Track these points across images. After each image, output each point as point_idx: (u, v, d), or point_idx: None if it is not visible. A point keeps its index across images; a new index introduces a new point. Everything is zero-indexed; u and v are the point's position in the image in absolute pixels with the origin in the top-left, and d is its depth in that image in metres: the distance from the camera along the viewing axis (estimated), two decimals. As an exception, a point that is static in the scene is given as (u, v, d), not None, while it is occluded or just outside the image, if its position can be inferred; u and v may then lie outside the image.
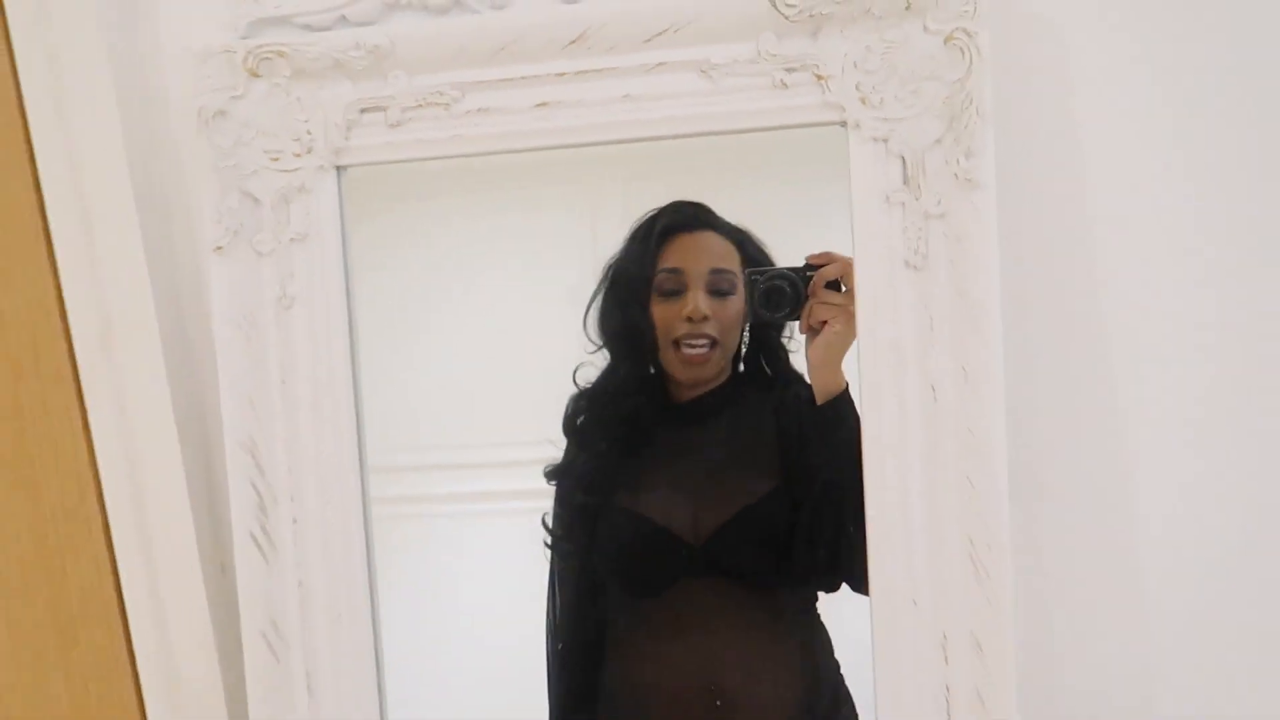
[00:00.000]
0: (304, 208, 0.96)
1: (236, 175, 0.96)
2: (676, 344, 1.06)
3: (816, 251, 0.99)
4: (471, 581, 1.21)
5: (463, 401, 1.18)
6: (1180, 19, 0.92)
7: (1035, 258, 0.94)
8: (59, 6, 0.97)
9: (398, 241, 1.12)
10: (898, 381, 0.89)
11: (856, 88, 0.88)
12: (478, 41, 0.93)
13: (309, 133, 0.95)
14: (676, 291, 1.06)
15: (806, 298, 0.98)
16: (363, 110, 0.95)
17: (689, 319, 1.05)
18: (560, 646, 1.14)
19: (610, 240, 1.10)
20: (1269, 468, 0.96)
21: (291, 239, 0.97)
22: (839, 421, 0.94)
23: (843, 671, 1.07)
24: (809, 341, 0.99)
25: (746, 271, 1.02)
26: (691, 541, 1.05)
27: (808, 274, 0.98)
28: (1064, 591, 0.99)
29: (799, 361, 1.03)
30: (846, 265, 0.93)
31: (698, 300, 1.05)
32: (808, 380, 1.00)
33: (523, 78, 0.93)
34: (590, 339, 1.10)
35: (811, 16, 0.88)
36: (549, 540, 1.12)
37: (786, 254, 1.06)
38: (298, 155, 0.96)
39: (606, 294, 1.09)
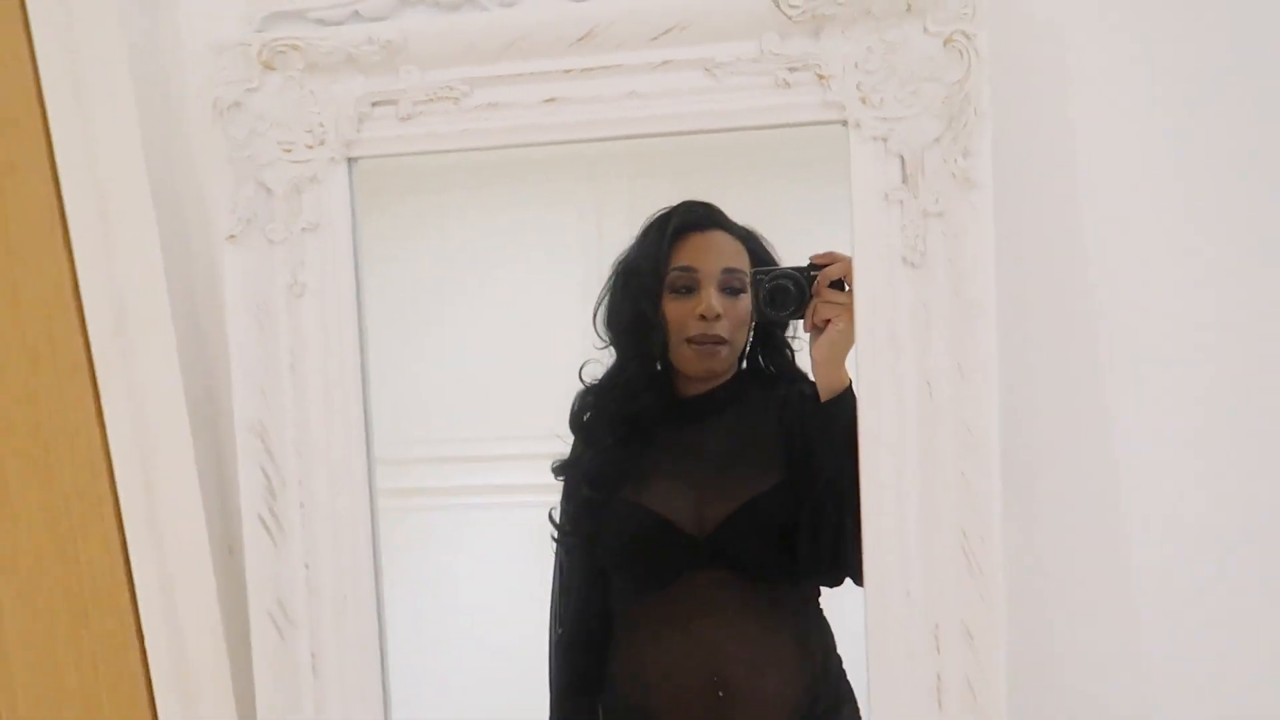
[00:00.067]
0: (316, 198, 0.98)
1: (250, 166, 0.97)
2: (689, 341, 1.07)
3: (818, 250, 0.99)
4: (475, 574, 1.22)
5: (468, 395, 1.19)
6: (1175, 23, 0.93)
7: (1031, 256, 0.95)
8: (80, 1, 0.98)
9: (406, 235, 1.13)
10: (895, 377, 0.90)
11: (857, 87, 0.89)
12: (487, 37, 0.94)
13: (321, 125, 0.97)
14: (689, 289, 1.07)
15: (811, 297, 0.99)
16: (374, 104, 0.96)
17: (702, 317, 1.06)
18: (563, 634, 1.15)
19: (616, 236, 1.11)
20: (1261, 465, 0.97)
21: (303, 228, 0.98)
22: (842, 418, 0.94)
23: (844, 666, 1.08)
24: (813, 340, 1.00)
25: (752, 271, 1.03)
26: (695, 535, 1.06)
27: (812, 273, 0.99)
28: (1054, 584, 1.00)
29: (802, 360, 1.04)
30: (850, 265, 0.93)
31: (711, 299, 1.06)
32: (811, 378, 1.02)
33: (531, 74, 0.94)
34: (599, 335, 1.11)
35: (814, 17, 0.89)
36: (556, 535, 1.14)
37: (786, 250, 1.08)
38: (310, 147, 0.97)
39: (617, 290, 1.10)
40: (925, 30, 0.88)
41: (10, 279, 1.02)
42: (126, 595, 1.04)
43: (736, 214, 1.08)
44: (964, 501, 0.90)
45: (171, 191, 1.04)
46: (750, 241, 1.08)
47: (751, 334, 1.10)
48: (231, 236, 0.98)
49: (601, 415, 1.12)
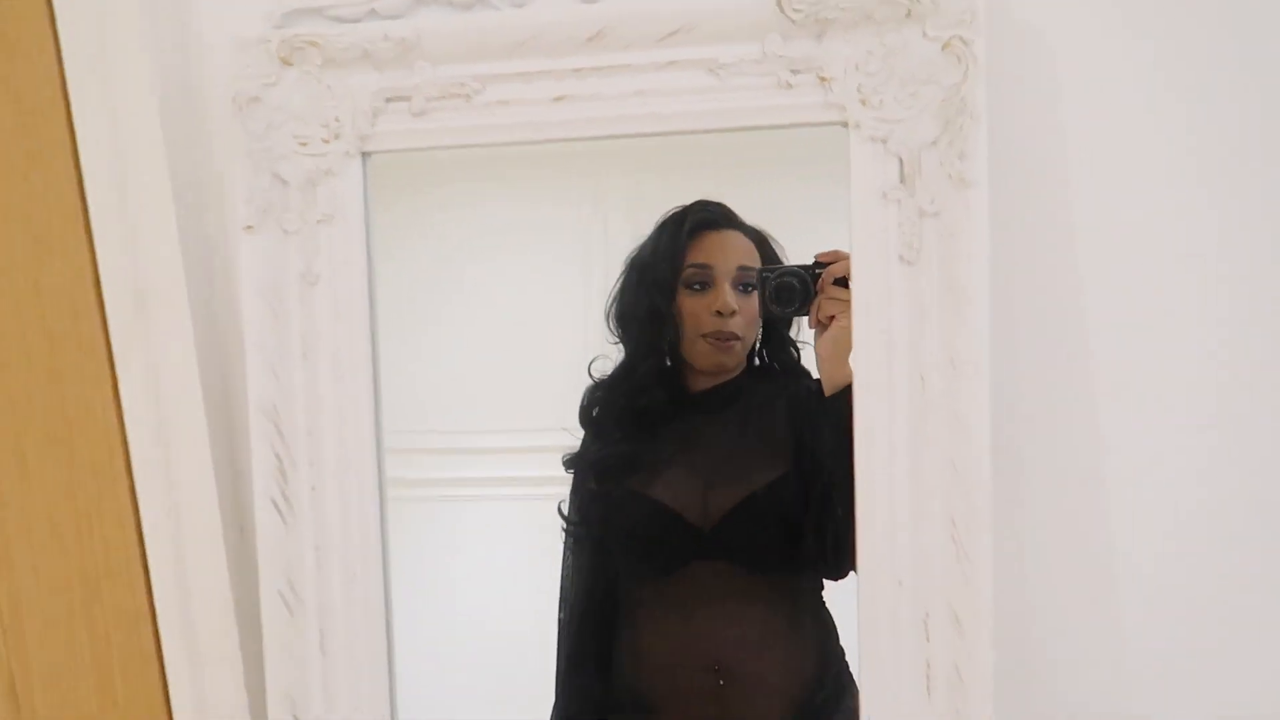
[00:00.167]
0: (330, 191, 0.99)
1: (267, 158, 0.99)
2: (704, 336, 1.09)
3: (818, 247, 1.01)
4: (476, 563, 1.24)
5: (471, 388, 1.21)
6: (1165, 32, 0.94)
7: (1023, 254, 0.97)
8: None
9: (415, 228, 1.15)
10: (889, 370, 0.92)
11: (857, 89, 0.90)
12: (499, 36, 0.95)
13: (337, 119, 0.98)
14: (704, 285, 1.09)
15: (815, 294, 1.01)
16: (388, 99, 0.98)
17: (718, 313, 1.08)
18: (569, 617, 1.17)
19: (621, 231, 1.13)
20: (1247, 456, 0.98)
21: (318, 220, 0.99)
22: (846, 413, 0.96)
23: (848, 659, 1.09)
24: (818, 336, 1.02)
25: (758, 269, 1.05)
26: (701, 525, 1.08)
27: (816, 271, 1.01)
28: (1042, 573, 1.02)
29: (808, 358, 1.06)
30: None
31: (726, 295, 1.08)
32: (816, 375, 1.03)
33: (541, 72, 0.95)
34: (611, 330, 1.13)
35: (816, 20, 0.90)
36: (565, 525, 1.16)
37: (787, 247, 1.10)
38: (326, 141, 0.99)
39: (631, 285, 1.12)
40: (924, 35, 0.89)
41: (33, 264, 1.03)
42: (140, 572, 1.06)
43: (739, 211, 1.10)
44: (954, 491, 0.91)
45: (191, 182, 1.05)
46: (761, 241, 1.11)
47: (760, 332, 1.13)
48: (248, 226, 1.00)
49: (610, 409, 1.14)
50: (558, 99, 0.96)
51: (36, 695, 1.09)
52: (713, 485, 1.10)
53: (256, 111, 0.99)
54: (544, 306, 1.19)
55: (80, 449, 1.05)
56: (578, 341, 1.16)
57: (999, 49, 0.92)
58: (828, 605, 1.11)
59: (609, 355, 1.13)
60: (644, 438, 1.13)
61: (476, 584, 1.24)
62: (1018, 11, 0.94)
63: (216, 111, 1.05)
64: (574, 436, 1.15)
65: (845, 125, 0.92)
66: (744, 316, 1.09)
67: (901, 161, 0.90)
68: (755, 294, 1.06)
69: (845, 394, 0.97)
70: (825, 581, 1.11)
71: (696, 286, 1.09)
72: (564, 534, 1.16)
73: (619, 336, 1.13)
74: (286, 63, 0.98)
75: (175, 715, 1.07)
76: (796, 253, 1.07)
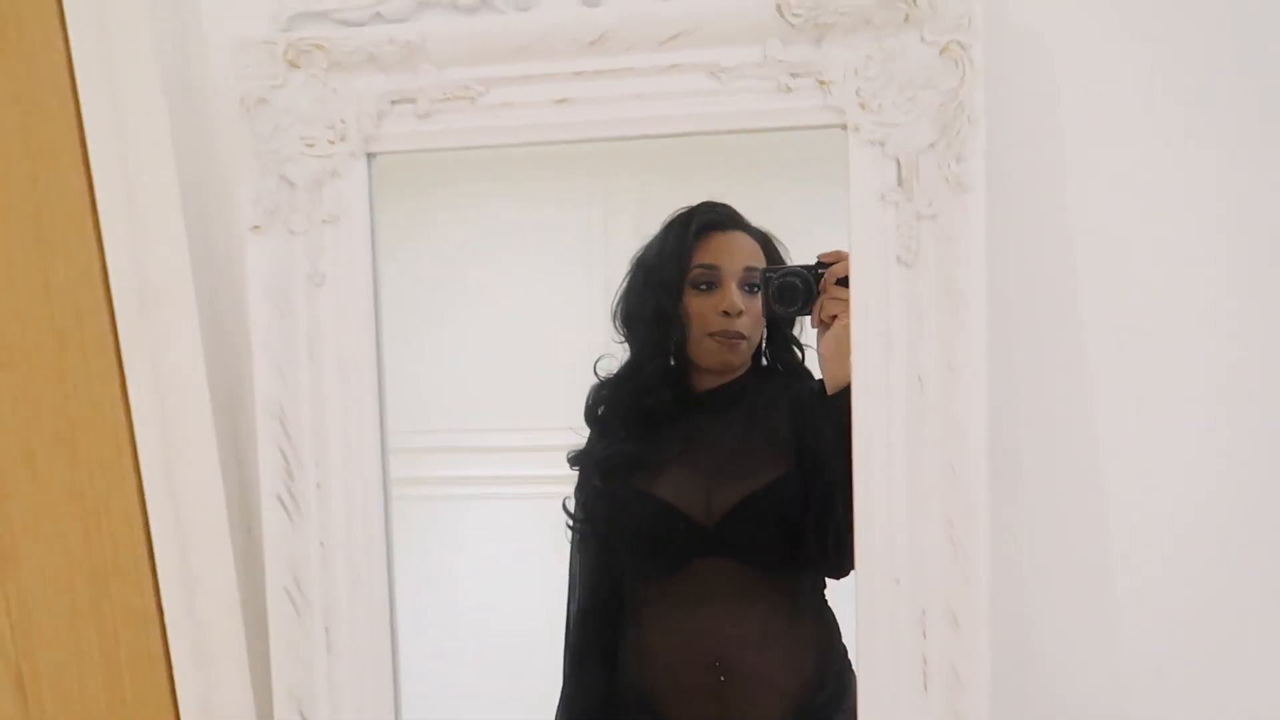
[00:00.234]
0: (336, 192, 1.00)
1: (274, 160, 1.00)
2: (711, 335, 1.10)
3: (817, 247, 1.02)
4: (479, 561, 1.25)
5: (474, 387, 1.22)
6: (1163, 35, 0.95)
7: (1020, 257, 0.97)
8: (114, 0, 1.00)
9: (417, 228, 1.15)
10: (887, 371, 0.93)
11: (856, 93, 0.91)
12: (503, 40, 0.96)
13: (343, 121, 0.99)
14: (711, 286, 1.10)
15: (818, 294, 1.02)
16: (393, 101, 0.98)
17: (725, 313, 1.09)
18: (577, 612, 1.18)
19: (622, 231, 1.14)
20: (1243, 459, 0.99)
21: (324, 220, 1.00)
22: (848, 411, 0.96)
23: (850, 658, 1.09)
24: (820, 335, 1.03)
25: (761, 269, 1.06)
26: (704, 523, 1.09)
27: (819, 271, 1.02)
28: (1038, 572, 1.02)
29: (811, 359, 1.06)
30: None
31: (733, 295, 1.09)
32: (817, 375, 1.04)
33: (544, 75, 0.96)
34: (617, 329, 1.14)
35: (816, 25, 0.91)
36: (570, 522, 1.17)
37: (789, 247, 1.11)
38: (331, 142, 0.99)
39: (637, 285, 1.13)
40: (923, 40, 0.89)
41: (41, 263, 1.04)
42: (147, 570, 1.06)
43: (742, 212, 1.11)
44: (951, 491, 0.92)
45: (198, 183, 1.06)
46: (766, 243, 1.11)
47: (764, 332, 1.13)
48: (255, 227, 1.00)
49: (616, 408, 1.15)
50: (560, 101, 0.96)
51: (45, 692, 1.09)
52: (716, 484, 1.10)
53: (263, 113, 0.99)
54: (547, 306, 1.19)
55: (88, 448, 1.06)
56: (581, 341, 1.17)
57: (996, 53, 0.92)
58: (829, 604, 1.12)
59: (614, 355, 1.14)
60: (649, 436, 1.14)
61: (480, 582, 1.25)
62: (1015, 16, 0.95)
63: (224, 113, 1.05)
64: (580, 435, 1.16)
65: (844, 128, 0.92)
66: (750, 317, 1.10)
67: (900, 164, 0.91)
68: (760, 294, 1.07)
69: (847, 393, 0.97)
70: (827, 580, 1.11)
71: (703, 287, 1.10)
72: (569, 531, 1.17)
73: (624, 336, 1.14)
74: (293, 65, 0.99)
75: (182, 712, 1.08)
76: (798, 253, 1.08)
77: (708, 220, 1.11)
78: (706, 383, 1.13)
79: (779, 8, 0.91)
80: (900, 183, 0.91)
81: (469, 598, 1.25)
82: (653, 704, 1.13)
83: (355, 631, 1.03)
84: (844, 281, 0.98)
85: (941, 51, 0.89)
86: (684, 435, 1.14)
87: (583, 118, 0.96)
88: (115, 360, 1.05)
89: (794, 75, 0.92)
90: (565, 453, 1.16)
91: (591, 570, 1.18)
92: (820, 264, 1.03)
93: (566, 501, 1.16)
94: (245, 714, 1.07)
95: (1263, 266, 0.96)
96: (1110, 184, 0.97)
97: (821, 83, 0.92)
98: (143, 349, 1.04)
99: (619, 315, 1.14)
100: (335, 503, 1.02)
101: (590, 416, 1.16)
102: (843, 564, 1.01)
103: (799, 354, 1.13)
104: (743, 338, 1.11)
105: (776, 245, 1.12)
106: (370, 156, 1.00)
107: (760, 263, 1.10)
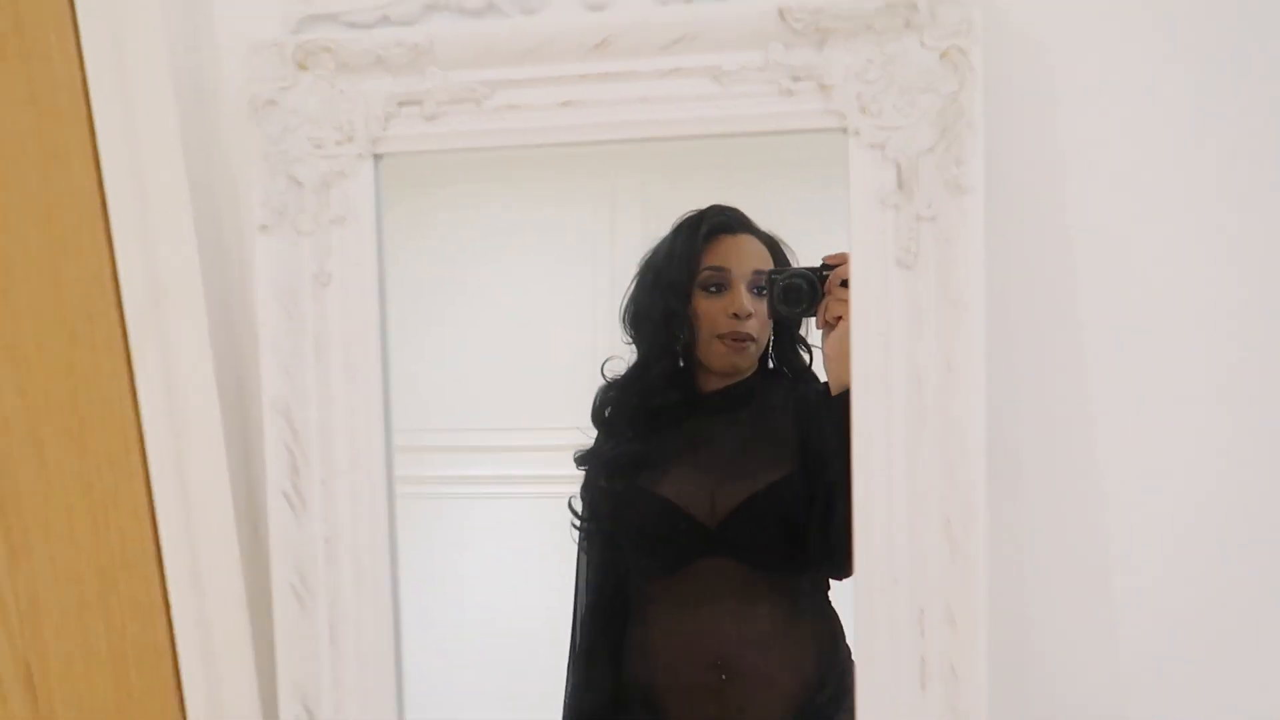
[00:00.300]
0: (343, 192, 1.00)
1: (282, 160, 1.00)
2: (719, 337, 1.11)
3: (819, 247, 1.03)
4: (481, 560, 1.26)
5: (479, 385, 1.23)
6: (1163, 41, 0.95)
7: (1019, 259, 0.98)
8: (125, 2, 1.01)
9: (421, 227, 1.16)
10: (886, 372, 0.93)
11: (857, 97, 0.92)
12: (509, 43, 0.97)
13: (350, 123, 0.99)
14: (720, 288, 1.11)
15: (823, 295, 1.03)
16: (400, 103, 0.99)
17: (735, 315, 1.10)
18: (583, 608, 1.19)
19: (628, 233, 1.15)
20: (1242, 460, 0.99)
21: (331, 220, 1.01)
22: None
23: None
24: (825, 336, 1.04)
25: (767, 271, 1.07)
26: (707, 523, 1.10)
27: (824, 273, 1.03)
28: (1036, 571, 1.02)
29: (817, 363, 1.07)
30: None
31: (742, 298, 1.10)
32: (823, 378, 1.05)
33: (549, 78, 0.96)
34: (626, 330, 1.15)
35: (817, 30, 0.91)
36: (575, 521, 1.18)
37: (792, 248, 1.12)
38: (339, 143, 1.00)
39: (645, 287, 1.14)
40: (923, 44, 0.90)
41: (52, 261, 1.05)
42: (154, 564, 1.07)
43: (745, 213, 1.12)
44: (950, 490, 0.92)
45: (207, 183, 1.07)
46: (774, 246, 1.13)
47: (771, 335, 1.14)
48: (263, 226, 1.01)
49: (623, 409, 1.16)
50: (565, 104, 0.97)
51: (53, 685, 1.10)
52: (720, 483, 1.11)
53: (272, 114, 1.00)
54: (551, 306, 1.20)
55: (97, 443, 1.07)
56: (585, 340, 1.17)
57: (996, 58, 0.93)
58: (833, 605, 1.13)
59: (622, 356, 1.15)
60: (655, 436, 1.15)
61: (484, 581, 1.26)
62: (1014, 21, 0.95)
63: (233, 114, 1.06)
64: (587, 436, 1.16)
65: (845, 132, 0.93)
66: (758, 319, 1.11)
67: (899, 167, 0.91)
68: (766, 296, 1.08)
69: (850, 393, 0.98)
70: (831, 582, 1.12)
71: (712, 289, 1.11)
72: (575, 530, 1.18)
73: (632, 337, 1.15)
74: (302, 67, 0.99)
75: (188, 704, 1.09)
76: (798, 254, 1.09)
77: (717, 223, 1.12)
78: (713, 384, 1.14)
79: (781, 12, 0.92)
80: (900, 185, 0.91)
81: (471, 596, 1.26)
82: (654, 702, 1.14)
83: (359, 625, 1.04)
84: (849, 283, 0.98)
85: (941, 56, 0.90)
86: (689, 436, 1.15)
87: (587, 120, 0.97)
88: (124, 357, 1.05)
89: (795, 79, 0.93)
90: (567, 452, 1.17)
91: (597, 569, 1.19)
92: (825, 266, 1.03)
93: (572, 500, 1.17)
94: (250, 706, 1.07)
95: (1262, 267, 0.97)
96: (1109, 186, 0.97)
97: (823, 87, 0.92)
98: (152, 346, 1.05)
99: (627, 316, 1.15)
100: (341, 500, 1.03)
101: (598, 418, 1.17)
102: (845, 565, 1.00)
103: (805, 357, 1.14)
104: (751, 340, 1.12)
105: (784, 249, 1.13)
106: (377, 158, 1.01)
107: (768, 266, 1.11)
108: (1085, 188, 0.98)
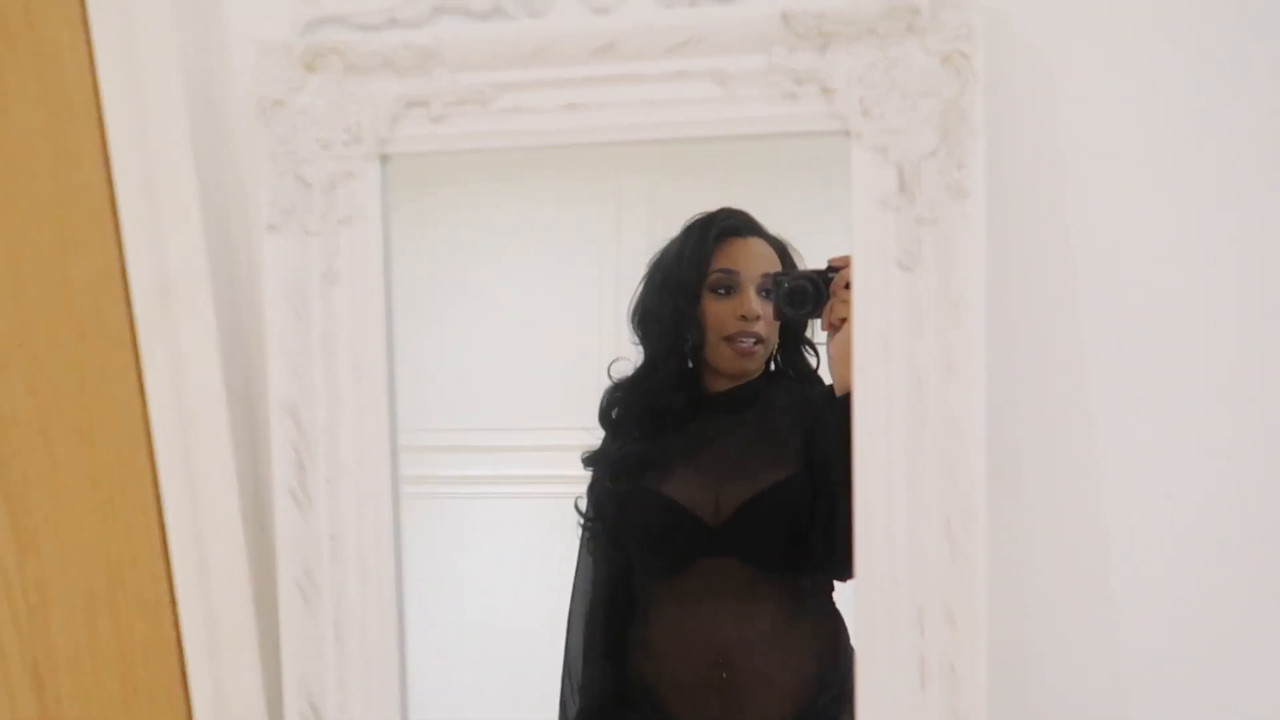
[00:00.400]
0: (350, 193, 1.01)
1: (290, 161, 1.01)
2: (728, 339, 1.12)
3: (820, 249, 1.04)
4: (485, 562, 1.26)
5: (482, 385, 1.23)
6: (1163, 46, 0.96)
7: (1019, 262, 0.98)
8: (137, 2, 1.02)
9: (426, 227, 1.17)
10: (887, 373, 0.94)
11: (859, 100, 0.92)
12: (515, 45, 0.97)
13: (358, 124, 1.00)
14: (729, 291, 1.12)
15: (828, 297, 1.04)
16: (408, 105, 0.99)
17: (743, 317, 1.11)
18: (586, 611, 1.20)
19: (634, 233, 1.16)
20: (1241, 461, 0.99)
21: (338, 221, 1.01)
22: None
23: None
24: (829, 338, 1.04)
25: (773, 274, 1.08)
26: (711, 523, 1.11)
27: (829, 275, 1.04)
28: (1036, 572, 1.03)
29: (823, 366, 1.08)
30: None
31: (751, 300, 1.11)
32: (828, 380, 1.05)
33: (554, 80, 0.97)
34: (634, 330, 1.15)
35: (820, 34, 0.92)
36: (580, 521, 1.19)
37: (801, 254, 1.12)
38: (347, 144, 1.00)
39: (654, 288, 1.15)
40: (925, 48, 0.91)
41: (62, 259, 1.06)
42: (162, 561, 1.08)
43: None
44: (950, 491, 0.93)
45: (216, 183, 1.07)
46: (782, 250, 1.14)
47: (778, 338, 1.15)
48: (271, 227, 1.02)
49: (630, 410, 1.17)
50: (570, 106, 0.97)
51: (60, 680, 1.11)
52: (724, 484, 1.12)
53: (281, 115, 1.01)
54: (556, 305, 1.21)
55: (105, 441, 1.07)
56: (589, 340, 1.18)
57: (997, 63, 0.93)
58: (836, 606, 1.13)
59: (628, 358, 1.16)
60: (661, 437, 1.16)
61: (485, 581, 1.27)
62: (1016, 27, 0.96)
63: (242, 115, 1.07)
64: (593, 437, 1.17)
65: (847, 135, 0.93)
66: (766, 322, 1.12)
67: (901, 170, 0.92)
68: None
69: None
70: (834, 583, 1.13)
71: (721, 291, 1.12)
72: (580, 529, 1.18)
73: (641, 338, 1.16)
74: (310, 69, 1.00)
75: (194, 700, 1.09)
76: (801, 255, 1.10)
77: (727, 226, 1.13)
78: (719, 385, 1.15)
79: (784, 17, 0.92)
80: (901, 188, 0.92)
81: (473, 595, 1.26)
82: (657, 700, 1.14)
83: (364, 623, 1.04)
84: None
85: (943, 60, 0.90)
86: (695, 436, 1.16)
87: (592, 122, 0.97)
88: (133, 355, 1.06)
89: (798, 83, 0.93)
90: (568, 453, 1.18)
91: (602, 567, 1.20)
92: (830, 268, 1.04)
93: (578, 501, 1.18)
94: (255, 702, 1.08)
95: (1262, 267, 0.97)
96: (1109, 188, 0.97)
97: (825, 90, 0.93)
98: (160, 344, 1.05)
99: (636, 317, 1.15)
100: (346, 498, 1.04)
101: (604, 419, 1.18)
102: (848, 566, 1.01)
103: (811, 359, 1.15)
104: (760, 342, 1.12)
105: (791, 253, 1.14)
106: (384, 159, 1.01)
107: (777, 269, 1.12)
108: (1085, 190, 0.98)
